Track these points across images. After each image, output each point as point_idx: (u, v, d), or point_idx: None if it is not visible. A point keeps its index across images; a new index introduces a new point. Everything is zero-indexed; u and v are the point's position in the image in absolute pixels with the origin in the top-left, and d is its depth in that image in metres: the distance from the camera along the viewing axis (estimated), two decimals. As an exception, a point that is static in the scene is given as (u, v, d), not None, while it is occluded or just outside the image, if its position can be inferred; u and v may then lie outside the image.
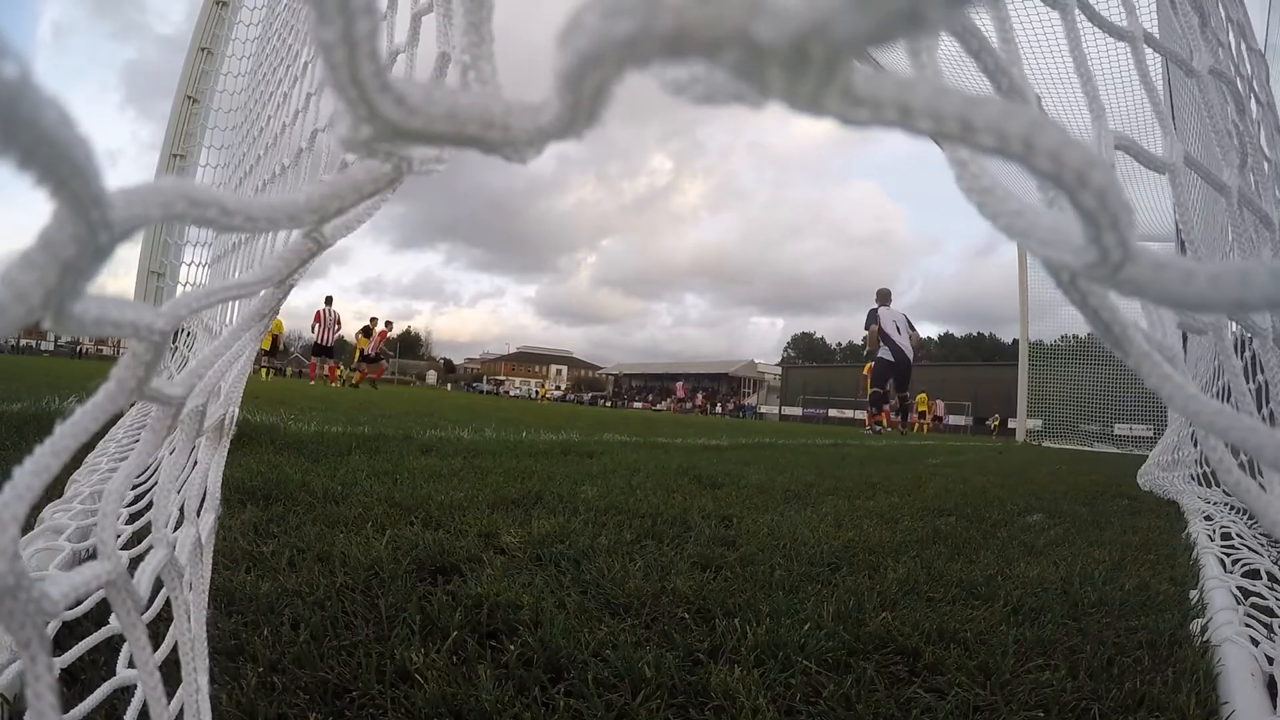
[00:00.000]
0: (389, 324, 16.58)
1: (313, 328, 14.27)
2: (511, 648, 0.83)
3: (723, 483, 2.42)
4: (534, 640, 0.85)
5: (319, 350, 14.13)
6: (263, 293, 0.48)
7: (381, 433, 3.17)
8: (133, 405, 2.62)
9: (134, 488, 1.22)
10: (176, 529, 0.70)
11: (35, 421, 2.16)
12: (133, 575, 0.40)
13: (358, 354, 15.61)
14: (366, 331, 15.51)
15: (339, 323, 14.27)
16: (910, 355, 9.46)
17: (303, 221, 0.26)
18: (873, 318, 9.52)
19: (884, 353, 9.44)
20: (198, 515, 0.60)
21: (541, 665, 0.80)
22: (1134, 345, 0.24)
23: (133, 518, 1.07)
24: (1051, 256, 0.18)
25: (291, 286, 0.46)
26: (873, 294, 9.69)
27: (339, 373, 14.51)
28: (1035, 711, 0.79)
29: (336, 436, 2.79)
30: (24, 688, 0.61)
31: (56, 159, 0.16)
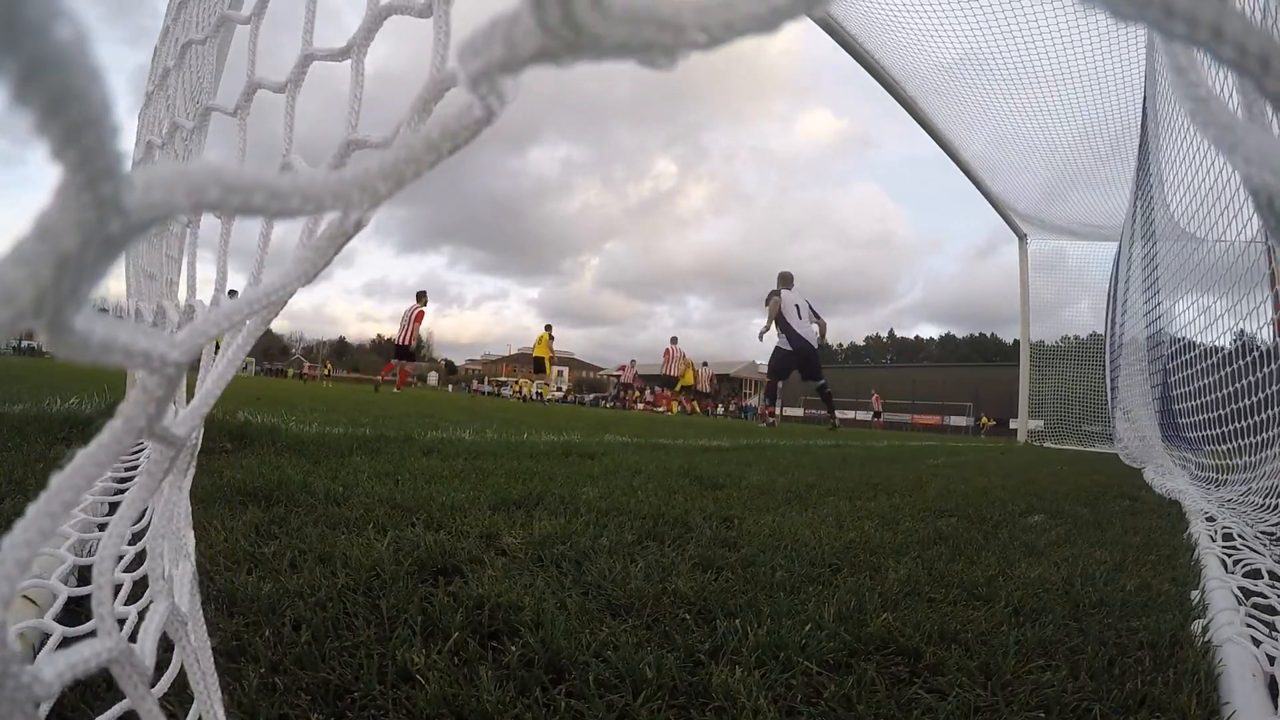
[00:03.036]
0: (674, 338, 17.92)
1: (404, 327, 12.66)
2: (513, 648, 0.83)
3: (724, 484, 2.42)
4: (535, 641, 0.85)
5: (401, 353, 12.62)
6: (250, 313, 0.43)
7: (383, 434, 3.17)
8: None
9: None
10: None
11: (37, 423, 2.17)
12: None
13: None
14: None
15: (419, 320, 12.50)
16: (814, 343, 8.76)
17: (378, 194, 0.22)
18: (770, 299, 8.86)
19: (782, 341, 8.78)
20: (188, 553, 0.57)
21: (543, 666, 0.80)
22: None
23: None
24: (1253, 175, 0.19)
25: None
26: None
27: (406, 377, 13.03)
28: (1036, 712, 0.79)
29: (338, 438, 2.79)
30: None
31: (66, 93, 0.12)
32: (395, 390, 11.96)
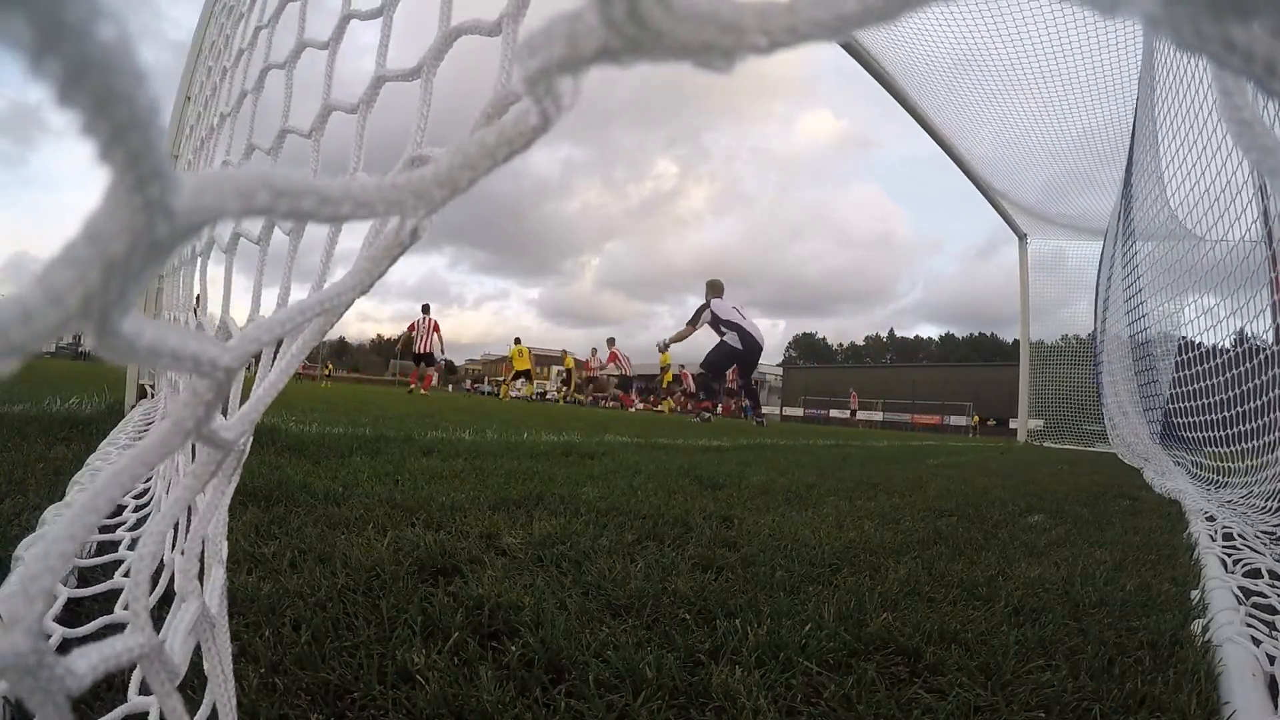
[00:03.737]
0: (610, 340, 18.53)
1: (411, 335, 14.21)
2: (513, 649, 0.83)
3: (724, 484, 2.42)
4: (535, 641, 0.85)
5: (416, 358, 14.05)
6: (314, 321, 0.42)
7: (383, 434, 3.17)
8: (135, 406, 2.62)
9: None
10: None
11: (37, 423, 2.17)
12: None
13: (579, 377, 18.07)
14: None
15: (435, 330, 14.00)
16: (762, 343, 8.65)
17: (432, 199, 0.22)
18: (701, 314, 8.70)
19: (731, 339, 8.59)
20: (221, 559, 0.57)
21: (543, 666, 0.80)
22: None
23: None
24: None
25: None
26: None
27: (432, 381, 14.58)
28: (1036, 712, 0.79)
29: (338, 438, 2.79)
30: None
31: (112, 94, 0.12)
32: (423, 392, 13.16)
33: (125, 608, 0.76)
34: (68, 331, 0.15)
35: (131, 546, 0.97)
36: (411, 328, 14.08)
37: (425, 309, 13.96)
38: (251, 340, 0.26)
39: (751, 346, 8.59)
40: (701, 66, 0.16)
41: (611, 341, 17.95)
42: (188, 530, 0.70)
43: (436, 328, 13.87)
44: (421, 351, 13.80)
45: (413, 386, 13.95)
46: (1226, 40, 0.15)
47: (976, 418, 35.33)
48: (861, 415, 39.32)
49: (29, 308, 0.14)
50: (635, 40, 0.16)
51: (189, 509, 0.63)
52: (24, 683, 0.20)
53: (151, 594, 0.72)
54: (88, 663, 0.24)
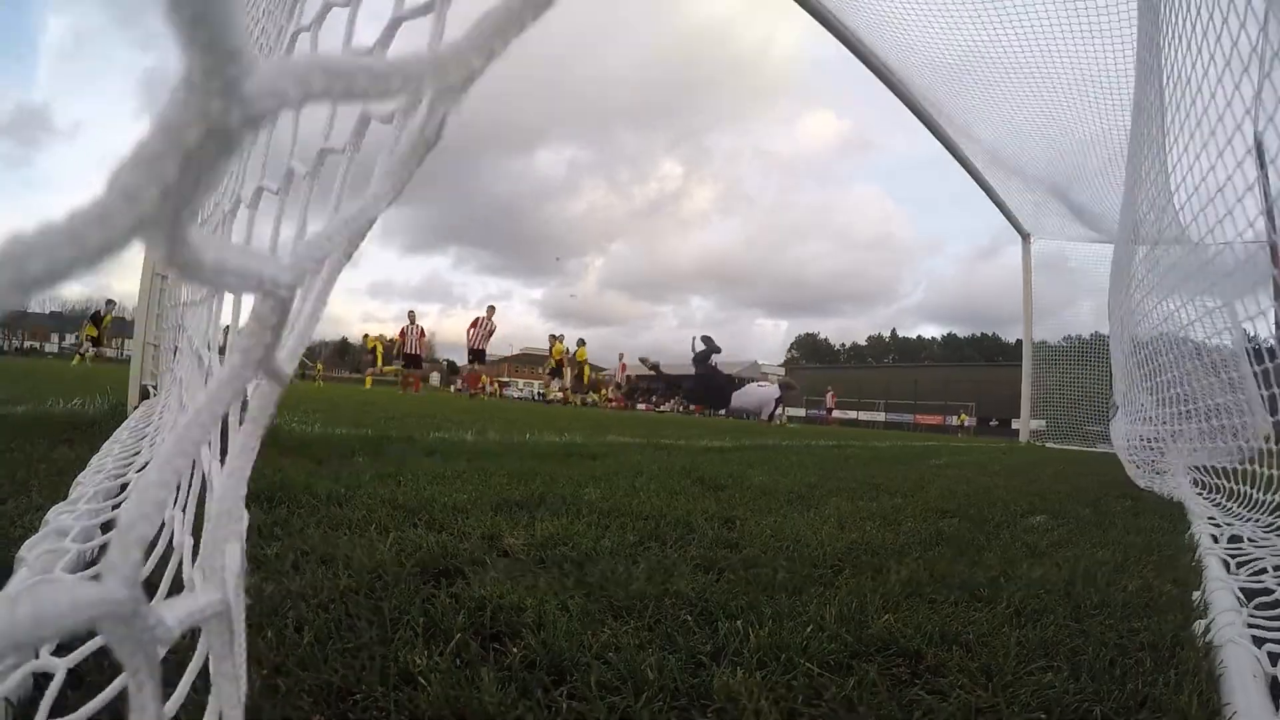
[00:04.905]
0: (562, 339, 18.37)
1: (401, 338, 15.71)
2: (514, 650, 0.83)
3: (726, 484, 2.42)
4: (537, 643, 0.85)
5: (410, 360, 15.43)
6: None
7: (385, 435, 3.18)
8: (137, 407, 2.62)
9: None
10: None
11: (40, 424, 2.17)
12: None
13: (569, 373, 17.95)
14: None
15: (423, 334, 15.76)
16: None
17: (471, 68, 0.22)
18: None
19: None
20: (240, 533, 0.56)
21: (544, 668, 0.80)
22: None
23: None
24: None
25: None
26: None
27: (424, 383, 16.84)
28: (1037, 713, 0.79)
29: (340, 439, 2.79)
30: (27, 691, 0.62)
31: None
32: (414, 392, 14.48)
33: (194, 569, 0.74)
34: (140, 235, 0.14)
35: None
36: (402, 333, 15.69)
37: (411, 316, 15.51)
38: (307, 257, 0.26)
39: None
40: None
41: (491, 310, 14.76)
42: (191, 489, 0.68)
43: (401, 335, 15.64)
44: (413, 353, 15.52)
45: (418, 390, 15.35)
46: None
47: (962, 416, 35.17)
48: (860, 416, 39.22)
49: (106, 209, 0.14)
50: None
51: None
52: (118, 631, 0.20)
53: (149, 559, 0.72)
54: (175, 616, 0.24)
